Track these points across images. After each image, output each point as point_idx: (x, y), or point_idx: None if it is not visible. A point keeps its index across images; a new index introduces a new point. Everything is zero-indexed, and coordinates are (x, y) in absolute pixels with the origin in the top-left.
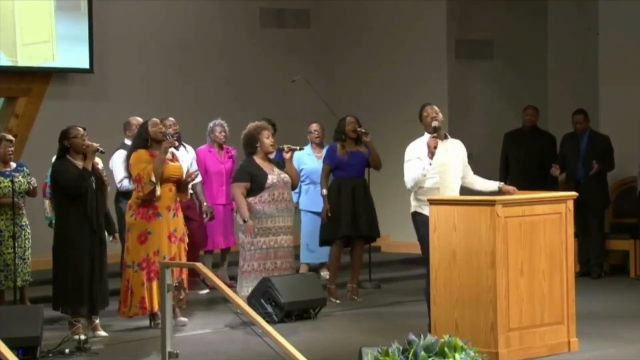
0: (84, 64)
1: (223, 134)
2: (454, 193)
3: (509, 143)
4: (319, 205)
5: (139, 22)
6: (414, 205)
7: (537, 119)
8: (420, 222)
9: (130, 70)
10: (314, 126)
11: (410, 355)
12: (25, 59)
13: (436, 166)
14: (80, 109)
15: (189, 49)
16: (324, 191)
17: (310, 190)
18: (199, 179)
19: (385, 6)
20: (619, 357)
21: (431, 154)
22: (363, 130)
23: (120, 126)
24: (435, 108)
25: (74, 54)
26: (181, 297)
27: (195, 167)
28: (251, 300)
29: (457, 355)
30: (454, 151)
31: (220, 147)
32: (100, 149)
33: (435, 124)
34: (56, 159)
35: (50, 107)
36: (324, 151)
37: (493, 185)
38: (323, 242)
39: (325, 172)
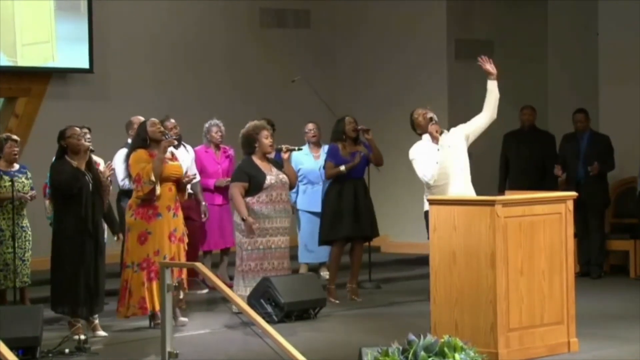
0: (84, 64)
1: (219, 133)
2: (464, 185)
3: (509, 143)
4: (317, 205)
5: (139, 22)
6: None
7: (534, 118)
8: None
9: (130, 70)
10: (310, 126)
11: (410, 355)
12: (25, 59)
13: (442, 167)
14: (80, 109)
15: (189, 48)
16: (343, 167)
17: (308, 190)
18: (197, 179)
19: (385, 6)
20: (619, 357)
21: (436, 140)
22: (365, 127)
23: (120, 126)
24: (423, 108)
25: (74, 54)
26: (180, 297)
27: (194, 168)
28: (251, 300)
29: (457, 356)
30: (454, 143)
31: (217, 147)
32: (90, 147)
33: (429, 115)
34: (54, 160)
35: (50, 107)
36: (322, 151)
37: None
38: (323, 242)
39: (331, 165)
